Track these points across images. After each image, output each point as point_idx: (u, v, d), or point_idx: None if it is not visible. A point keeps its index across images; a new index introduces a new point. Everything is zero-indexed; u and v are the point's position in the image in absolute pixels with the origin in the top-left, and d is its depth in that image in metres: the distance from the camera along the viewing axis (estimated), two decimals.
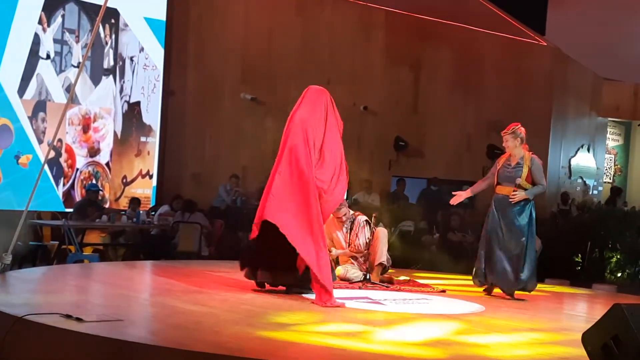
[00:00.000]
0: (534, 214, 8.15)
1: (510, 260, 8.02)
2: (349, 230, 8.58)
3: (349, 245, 8.53)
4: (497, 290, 8.18)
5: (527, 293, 8.14)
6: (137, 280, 7.82)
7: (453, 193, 8.50)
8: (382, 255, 8.38)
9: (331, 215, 8.08)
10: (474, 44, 15.92)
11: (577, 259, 14.14)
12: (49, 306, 5.48)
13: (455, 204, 8.57)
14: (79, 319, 5.04)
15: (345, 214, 8.58)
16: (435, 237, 12.97)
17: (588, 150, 17.13)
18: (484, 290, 8.23)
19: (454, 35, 15.89)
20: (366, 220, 8.56)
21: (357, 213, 8.70)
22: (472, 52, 15.90)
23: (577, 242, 13.94)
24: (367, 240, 8.47)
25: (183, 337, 4.95)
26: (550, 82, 15.66)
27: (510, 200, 8.02)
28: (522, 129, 8.28)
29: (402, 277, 8.79)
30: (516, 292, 8.07)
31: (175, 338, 4.91)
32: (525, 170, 8.05)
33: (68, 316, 5.10)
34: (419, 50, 15.94)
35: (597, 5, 21.64)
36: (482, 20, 16.03)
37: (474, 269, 8.28)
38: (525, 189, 8.03)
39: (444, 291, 8.18)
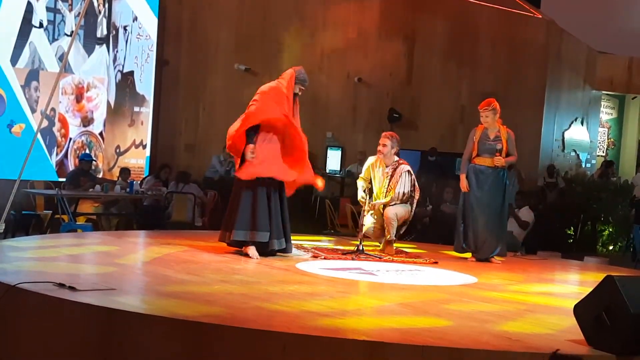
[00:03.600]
0: (508, 183, 8.76)
1: (488, 228, 8.48)
2: (389, 177, 8.63)
3: (387, 192, 8.55)
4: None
5: (502, 258, 8.65)
6: (130, 250, 7.82)
7: (462, 186, 8.69)
8: (393, 232, 8.53)
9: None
10: (468, 16, 15.88)
11: (569, 232, 14.23)
12: (42, 275, 5.49)
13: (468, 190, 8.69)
14: (71, 288, 5.05)
15: (389, 154, 8.62)
16: (428, 209, 13.01)
17: (582, 123, 17.16)
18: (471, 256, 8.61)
19: (448, 7, 15.86)
20: (408, 171, 8.65)
21: (400, 161, 8.74)
22: (467, 24, 15.87)
23: (569, 215, 14.02)
24: (406, 192, 8.52)
25: (175, 306, 4.96)
26: (545, 55, 15.65)
27: (496, 165, 8.48)
28: (497, 104, 8.66)
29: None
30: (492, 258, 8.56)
31: (168, 307, 4.93)
32: (503, 143, 8.51)
33: (61, 285, 5.10)
34: (414, 21, 15.90)
35: None
36: None
37: (455, 239, 8.70)
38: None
39: (436, 262, 8.22)
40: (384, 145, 8.70)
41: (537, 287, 7.15)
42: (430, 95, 15.71)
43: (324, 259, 7.85)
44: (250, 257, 7.42)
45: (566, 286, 7.75)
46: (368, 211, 8.62)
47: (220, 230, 7.83)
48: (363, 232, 8.44)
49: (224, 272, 6.59)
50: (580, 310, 4.73)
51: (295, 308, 5.17)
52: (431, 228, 12.57)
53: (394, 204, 8.53)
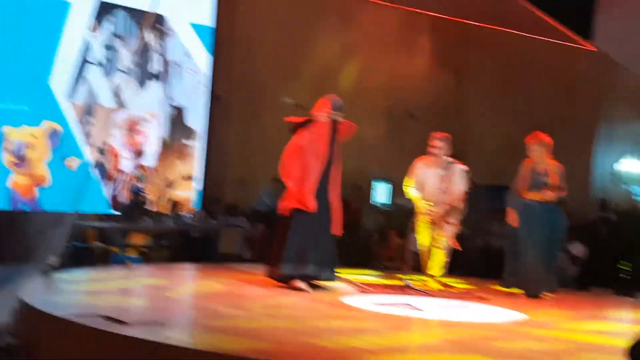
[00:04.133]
0: (559, 220, 8.71)
1: (538, 264, 8.44)
2: (444, 178, 8.53)
3: (444, 193, 8.46)
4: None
5: (552, 294, 8.56)
6: (178, 283, 7.89)
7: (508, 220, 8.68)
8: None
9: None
10: (519, 49, 15.83)
11: (624, 267, 13.97)
12: (91, 308, 5.56)
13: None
14: (120, 321, 5.10)
15: (442, 150, 8.58)
16: (477, 242, 12.90)
17: (635, 156, 16.92)
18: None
19: (499, 40, 15.82)
20: (466, 171, 8.61)
21: (455, 161, 8.66)
22: (517, 57, 15.81)
23: (622, 250, 13.77)
24: (462, 193, 8.51)
25: (222, 341, 4.99)
26: (598, 88, 15.51)
27: (546, 200, 8.43)
28: (547, 137, 8.62)
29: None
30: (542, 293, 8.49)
31: (215, 342, 4.96)
32: (553, 177, 8.46)
33: (109, 318, 5.16)
34: (464, 55, 15.89)
35: None
36: (528, 24, 15.94)
37: (504, 274, 8.55)
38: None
39: (485, 298, 8.14)
40: (437, 146, 8.65)
41: (589, 325, 7.04)
42: (480, 129, 15.65)
43: (371, 293, 7.83)
44: (299, 290, 7.42)
45: (619, 324, 7.63)
46: (428, 221, 8.49)
47: (267, 264, 7.85)
48: (416, 247, 8.40)
49: (271, 306, 6.61)
50: (637, 352, 4.62)
51: (342, 344, 5.16)
52: (481, 262, 12.45)
53: (451, 221, 8.44)
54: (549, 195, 8.43)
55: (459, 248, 8.70)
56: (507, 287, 8.65)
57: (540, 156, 8.56)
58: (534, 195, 8.50)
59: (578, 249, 11.82)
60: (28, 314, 5.56)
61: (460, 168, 8.62)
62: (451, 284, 8.77)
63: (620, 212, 15.19)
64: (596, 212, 15.01)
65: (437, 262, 8.54)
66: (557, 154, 15.36)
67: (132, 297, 6.83)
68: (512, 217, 8.61)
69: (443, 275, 8.65)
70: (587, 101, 15.53)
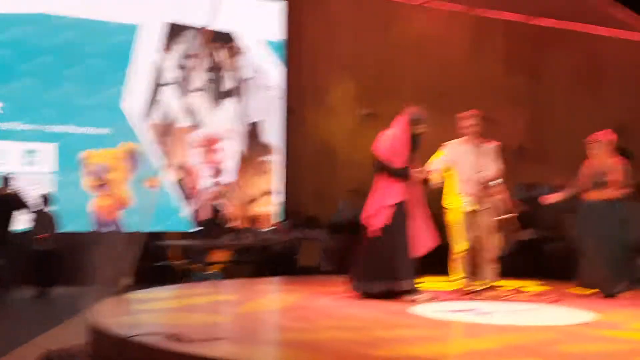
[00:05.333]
0: (626, 216, 8.50)
1: (608, 263, 8.28)
2: (479, 155, 8.47)
3: (479, 172, 8.37)
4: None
5: (630, 293, 8.34)
6: (250, 297, 8.00)
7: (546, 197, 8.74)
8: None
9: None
10: (595, 47, 15.54)
11: None
12: (154, 326, 5.70)
13: (547, 203, 8.88)
14: (178, 339, 5.22)
15: (474, 125, 8.54)
16: (561, 245, 12.70)
17: None
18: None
19: (573, 40, 15.56)
20: (499, 146, 8.55)
21: (486, 140, 8.63)
22: (593, 55, 15.52)
23: None
24: (500, 170, 8.42)
25: (282, 354, 5.06)
26: None
27: (609, 199, 8.35)
28: (608, 136, 8.70)
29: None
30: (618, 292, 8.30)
31: (272, 356, 5.03)
32: (613, 175, 8.41)
33: (169, 336, 5.28)
34: (539, 58, 15.68)
35: None
36: (605, 23, 15.65)
37: (578, 275, 8.52)
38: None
39: (557, 300, 8.03)
40: (466, 125, 8.60)
41: None
42: (559, 131, 15.40)
43: (441, 300, 7.81)
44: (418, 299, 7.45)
45: None
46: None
47: (351, 278, 7.80)
48: (462, 250, 8.35)
49: (337, 317, 6.65)
50: None
51: (401, 353, 5.18)
52: (560, 264, 12.27)
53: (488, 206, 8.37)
54: (610, 193, 8.35)
55: (517, 211, 8.65)
56: (582, 288, 8.54)
57: (599, 155, 8.52)
58: (595, 195, 8.44)
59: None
60: (97, 336, 5.74)
61: (493, 145, 8.57)
62: (523, 287, 8.68)
63: None
64: None
65: (491, 255, 8.44)
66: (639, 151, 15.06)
67: (198, 314, 6.96)
68: (550, 198, 8.69)
69: (517, 277, 8.62)
70: None
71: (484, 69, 15.79)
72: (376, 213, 7.69)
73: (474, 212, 8.46)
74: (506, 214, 8.61)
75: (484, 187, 8.43)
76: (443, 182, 8.51)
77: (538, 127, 15.61)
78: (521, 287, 8.76)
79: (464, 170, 8.44)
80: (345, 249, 13.67)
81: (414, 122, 7.79)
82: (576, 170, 15.13)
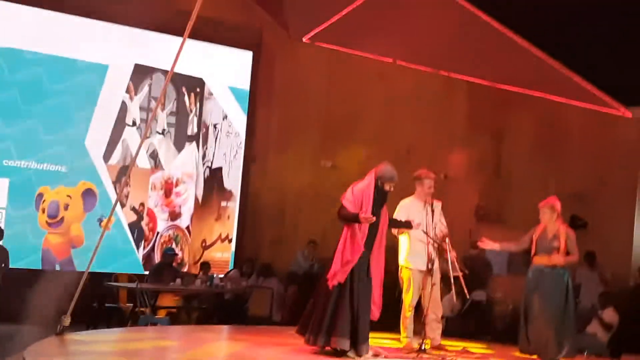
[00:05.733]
0: (570, 284, 8.63)
1: (551, 329, 8.36)
2: (431, 213, 8.60)
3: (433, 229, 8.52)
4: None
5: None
6: (191, 345, 7.92)
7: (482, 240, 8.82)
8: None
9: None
10: (556, 114, 15.74)
11: None
12: None
13: (483, 247, 9.11)
14: None
15: (432, 188, 8.75)
16: (509, 308, 12.74)
17: None
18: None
19: (536, 105, 15.76)
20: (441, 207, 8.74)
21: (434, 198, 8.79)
22: (554, 122, 15.72)
23: None
24: (442, 231, 8.58)
25: None
26: (635, 154, 15.32)
27: (555, 264, 8.48)
28: (559, 203, 8.82)
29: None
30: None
31: None
32: (562, 242, 8.51)
33: None
34: (501, 119, 15.85)
35: None
36: (566, 90, 15.88)
37: (520, 339, 8.60)
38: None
39: None
40: (430, 186, 8.73)
41: None
42: (517, 193, 15.50)
43: (385, 357, 7.78)
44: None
45: None
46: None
47: (304, 329, 7.72)
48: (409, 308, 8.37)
49: None
50: None
51: None
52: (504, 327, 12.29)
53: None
54: (557, 259, 8.46)
55: (464, 271, 8.72)
56: (524, 352, 8.59)
57: (548, 221, 8.64)
58: (542, 260, 8.56)
59: (611, 315, 11.61)
60: None
61: (439, 203, 8.73)
62: (468, 349, 8.69)
63: None
64: (635, 279, 14.74)
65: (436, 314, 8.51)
66: (596, 220, 15.23)
67: (138, 359, 6.88)
68: (485, 243, 8.82)
69: (464, 338, 8.63)
70: (625, 167, 15.33)
71: (449, 128, 15.94)
72: (340, 268, 7.63)
73: (426, 270, 8.52)
74: (455, 272, 8.67)
75: (437, 246, 8.52)
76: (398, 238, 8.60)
77: (497, 188, 15.72)
78: (466, 347, 8.76)
79: (417, 229, 8.52)
80: (299, 300, 13.63)
81: (382, 178, 7.84)
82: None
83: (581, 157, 15.45)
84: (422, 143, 15.44)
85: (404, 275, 8.66)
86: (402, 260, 8.68)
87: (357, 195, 7.81)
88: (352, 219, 7.70)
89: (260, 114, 15.25)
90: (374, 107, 15.84)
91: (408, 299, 8.53)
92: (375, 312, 7.78)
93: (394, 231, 8.56)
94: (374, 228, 7.75)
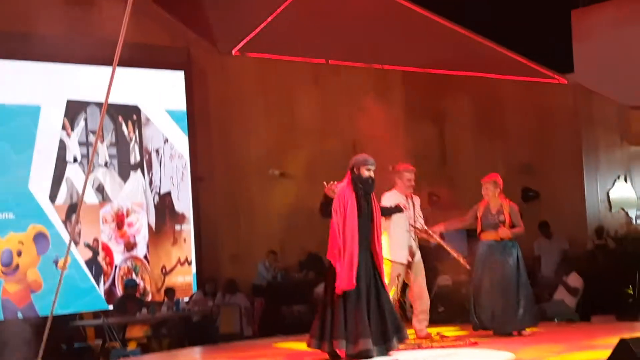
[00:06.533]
0: (520, 254, 8.81)
1: (503, 302, 8.55)
2: (412, 208, 8.75)
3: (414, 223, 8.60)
4: None
5: (526, 331, 8.62)
6: None
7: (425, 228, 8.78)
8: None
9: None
10: (494, 90, 15.95)
11: (629, 291, 13.85)
12: None
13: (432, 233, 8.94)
14: None
15: (413, 180, 8.84)
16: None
17: (625, 180, 16.90)
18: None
19: (473, 84, 15.94)
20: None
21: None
22: (493, 99, 15.93)
23: (623, 275, 13.68)
24: (422, 225, 8.68)
25: None
26: (576, 118, 15.60)
27: (502, 237, 8.67)
28: (500, 179, 9.02)
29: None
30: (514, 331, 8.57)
31: None
32: (506, 215, 8.74)
33: None
34: (440, 103, 15.99)
35: (621, 36, 21.63)
36: (500, 67, 16.09)
37: (470, 316, 8.84)
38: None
39: (475, 343, 8.08)
40: (409, 179, 8.75)
41: (577, 356, 6.96)
42: (466, 173, 15.64)
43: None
44: None
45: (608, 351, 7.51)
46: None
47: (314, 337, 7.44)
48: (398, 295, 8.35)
49: None
50: None
51: None
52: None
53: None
54: (503, 233, 8.59)
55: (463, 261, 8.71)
56: (474, 329, 8.70)
57: (492, 196, 8.79)
58: (489, 235, 8.71)
59: (575, 279, 11.75)
60: None
61: (418, 199, 8.81)
62: (443, 333, 8.72)
63: (618, 238, 15.14)
64: (593, 241, 14.96)
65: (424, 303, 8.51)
66: (546, 189, 15.43)
67: None
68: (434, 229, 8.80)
69: (436, 323, 8.67)
70: (568, 133, 15.60)
71: (390, 120, 16.00)
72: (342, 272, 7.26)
73: (409, 263, 8.57)
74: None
75: (425, 236, 8.57)
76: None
77: (446, 173, 15.84)
78: (440, 332, 8.79)
79: (401, 222, 8.53)
80: (267, 311, 13.60)
81: (356, 164, 7.61)
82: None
83: (524, 130, 15.68)
84: (365, 137, 15.49)
85: (387, 268, 8.53)
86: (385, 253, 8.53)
87: (339, 193, 7.43)
88: (323, 203, 7.39)
89: (201, 132, 15.15)
90: (313, 109, 15.86)
91: (391, 293, 8.45)
92: None
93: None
94: (367, 219, 7.44)
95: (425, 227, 8.73)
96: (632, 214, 17.09)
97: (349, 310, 7.19)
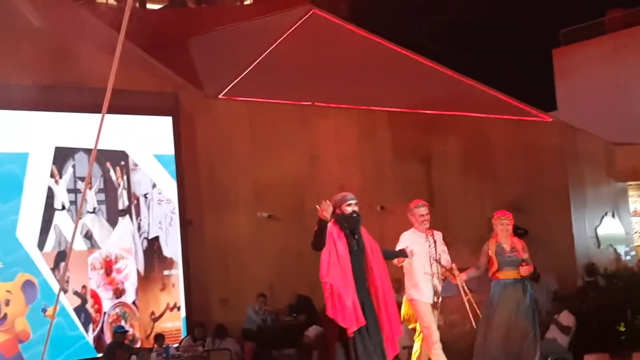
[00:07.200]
0: (532, 293, 8.63)
1: (526, 341, 8.37)
2: (433, 244, 8.23)
3: (436, 261, 8.11)
4: None
5: None
6: None
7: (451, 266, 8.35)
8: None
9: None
10: (480, 130, 16.03)
11: (620, 328, 13.82)
12: None
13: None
14: None
15: (426, 215, 8.32)
16: (467, 327, 12.76)
17: (613, 216, 16.96)
18: None
19: (459, 124, 16.02)
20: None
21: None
22: (480, 138, 16.00)
23: (615, 312, 13.65)
24: (447, 261, 8.22)
25: None
26: (562, 156, 15.68)
27: (523, 276, 8.41)
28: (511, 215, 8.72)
29: None
30: None
31: None
32: (526, 254, 8.53)
33: None
34: (427, 143, 16.05)
35: (602, 74, 21.89)
36: (486, 106, 16.19)
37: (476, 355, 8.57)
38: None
39: None
40: (424, 214, 8.35)
41: None
42: (455, 213, 15.67)
43: None
44: None
45: None
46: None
47: None
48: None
49: None
50: None
51: None
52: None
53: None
54: (526, 271, 8.40)
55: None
56: None
57: (506, 232, 8.57)
58: (509, 274, 8.47)
59: (567, 318, 11.71)
60: None
61: (440, 233, 8.46)
62: None
63: (608, 275, 15.13)
64: (583, 278, 14.95)
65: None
66: (534, 226, 15.43)
67: None
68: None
69: None
70: (555, 170, 15.67)
71: (377, 160, 16.07)
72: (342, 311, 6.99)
73: (434, 303, 8.23)
74: (466, 296, 8.24)
75: (448, 274, 8.21)
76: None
77: (434, 211, 15.80)
78: None
79: (423, 262, 8.21)
80: (257, 355, 13.50)
81: (336, 205, 7.28)
82: (474, 252, 15.35)
83: (511, 168, 15.73)
84: (353, 178, 15.52)
85: (409, 309, 8.28)
86: (407, 293, 8.28)
87: (327, 236, 7.18)
88: (317, 231, 7.05)
89: (189, 176, 15.15)
90: (300, 151, 15.89)
91: (429, 335, 8.09)
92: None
93: (396, 262, 8.15)
94: (359, 256, 7.24)
95: (452, 264, 8.22)
96: (621, 250, 17.13)
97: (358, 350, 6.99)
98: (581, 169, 16.19)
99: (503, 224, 8.58)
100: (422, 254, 8.22)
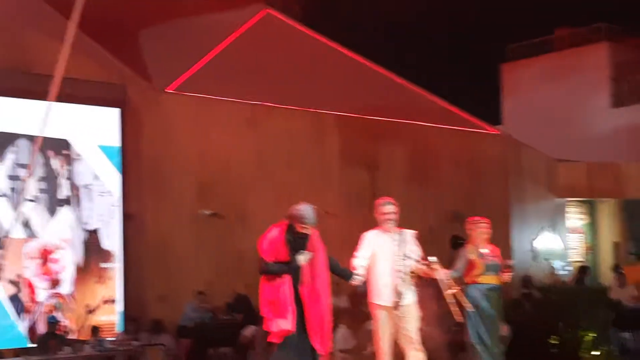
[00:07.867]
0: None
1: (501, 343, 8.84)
2: (400, 243, 7.92)
3: (404, 259, 7.82)
4: None
5: None
6: None
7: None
8: None
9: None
10: (427, 139, 16.17)
11: (552, 341, 14.04)
12: None
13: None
14: None
15: (391, 213, 8.00)
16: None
17: (550, 231, 17.23)
18: None
19: (407, 133, 16.14)
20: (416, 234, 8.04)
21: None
22: (426, 147, 16.14)
23: (547, 325, 13.88)
24: (421, 259, 7.89)
25: None
26: (505, 169, 15.89)
27: (503, 282, 8.63)
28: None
29: None
30: None
31: None
32: (504, 260, 8.81)
33: None
34: (374, 150, 16.13)
35: (547, 91, 22.26)
36: (433, 116, 16.35)
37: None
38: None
39: None
40: (394, 212, 8.06)
41: None
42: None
43: None
44: None
45: None
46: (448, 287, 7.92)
47: None
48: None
49: None
50: None
51: None
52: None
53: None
54: (507, 277, 8.46)
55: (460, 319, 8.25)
56: None
57: (486, 238, 8.56)
58: (490, 279, 8.49)
59: (503, 328, 11.85)
60: None
61: (411, 232, 8.12)
62: None
63: (543, 288, 15.38)
64: (519, 290, 15.16)
65: None
66: None
67: None
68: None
69: None
70: (498, 183, 15.87)
71: (324, 164, 16.11)
72: (273, 318, 7.19)
73: (397, 305, 7.85)
74: (450, 290, 8.08)
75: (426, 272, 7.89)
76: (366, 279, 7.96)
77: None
78: None
79: (386, 262, 7.96)
80: (193, 352, 13.43)
81: (293, 220, 7.37)
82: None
83: (455, 178, 15.91)
84: (299, 180, 15.53)
85: (374, 312, 8.05)
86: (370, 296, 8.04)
87: (271, 245, 7.30)
88: (281, 271, 7.18)
89: (133, 169, 14.99)
90: (246, 150, 15.86)
91: (380, 342, 7.87)
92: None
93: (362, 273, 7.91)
94: (297, 275, 7.27)
95: (435, 257, 7.91)
96: (557, 264, 17.41)
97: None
98: (523, 183, 16.44)
99: (481, 228, 8.54)
100: (385, 254, 7.99)
